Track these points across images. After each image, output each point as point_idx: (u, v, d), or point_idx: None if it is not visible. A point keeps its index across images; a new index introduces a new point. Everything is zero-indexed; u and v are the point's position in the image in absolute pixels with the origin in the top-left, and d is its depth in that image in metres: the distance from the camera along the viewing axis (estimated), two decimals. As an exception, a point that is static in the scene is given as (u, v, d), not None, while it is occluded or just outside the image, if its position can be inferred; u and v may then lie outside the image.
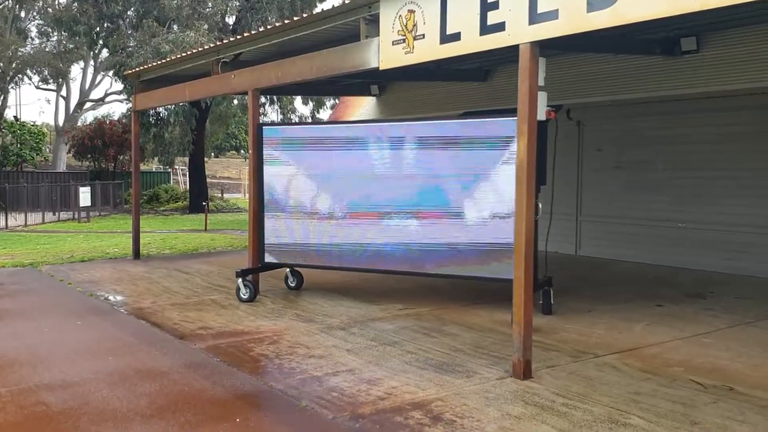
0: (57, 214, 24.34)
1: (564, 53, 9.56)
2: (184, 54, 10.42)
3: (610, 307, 7.54)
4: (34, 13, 32.84)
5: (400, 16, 6.17)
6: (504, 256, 6.62)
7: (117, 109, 62.49)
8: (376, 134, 7.58)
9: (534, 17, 4.99)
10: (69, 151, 34.86)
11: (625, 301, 7.89)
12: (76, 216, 23.75)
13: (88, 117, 41.55)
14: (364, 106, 14.85)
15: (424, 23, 5.94)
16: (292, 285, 8.74)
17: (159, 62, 11.65)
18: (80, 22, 23.59)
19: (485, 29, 5.38)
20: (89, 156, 32.28)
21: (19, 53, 30.22)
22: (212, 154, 48.65)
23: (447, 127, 7.23)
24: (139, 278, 9.74)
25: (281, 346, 6.06)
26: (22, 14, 32.64)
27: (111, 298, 8.36)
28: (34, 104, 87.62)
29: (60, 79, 35.42)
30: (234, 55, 9.06)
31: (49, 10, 28.85)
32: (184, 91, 10.18)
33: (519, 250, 5.19)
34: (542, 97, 5.27)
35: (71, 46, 29.21)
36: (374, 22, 6.59)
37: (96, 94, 41.98)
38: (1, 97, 31.31)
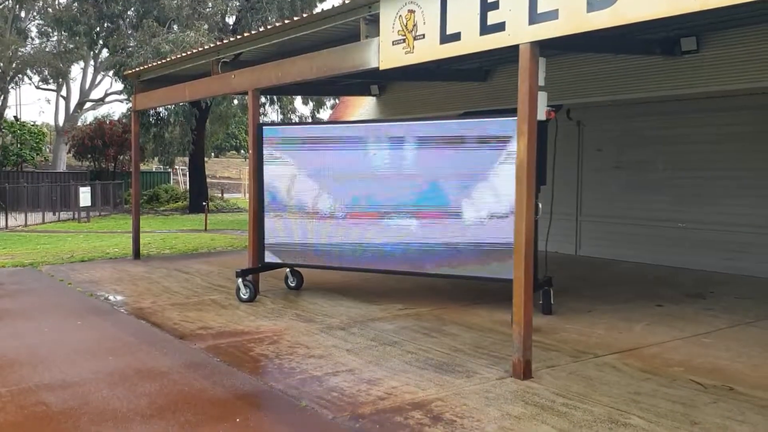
0: (57, 214, 24.34)
1: (564, 53, 9.56)
2: (184, 54, 10.42)
3: (610, 307, 7.54)
4: (34, 13, 32.85)
5: (400, 16, 6.17)
6: (504, 256, 6.62)
7: (117, 109, 62.64)
8: (376, 134, 7.59)
9: (534, 17, 4.99)
10: (69, 151, 34.86)
11: (625, 301, 7.89)
12: (76, 216, 23.75)
13: (88, 117, 41.65)
14: (364, 106, 14.85)
15: (424, 23, 5.94)
16: (292, 285, 8.74)
17: (159, 62, 11.65)
18: (80, 22, 23.59)
19: (485, 29, 5.39)
20: (89, 156, 32.28)
21: (19, 53, 30.22)
22: (212, 154, 48.65)
23: (447, 127, 7.22)
24: (139, 278, 9.75)
25: (281, 346, 6.06)
26: (22, 14, 32.65)
27: (111, 298, 8.36)
28: (34, 104, 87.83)
29: (60, 79, 35.44)
30: (234, 55, 9.07)
31: (49, 10, 28.85)
32: (184, 91, 10.19)
33: (519, 250, 5.20)
34: (542, 97, 5.28)
35: (71, 46, 29.22)
36: (374, 22, 6.60)
37: (96, 94, 42.09)
38: (1, 97, 31.32)
